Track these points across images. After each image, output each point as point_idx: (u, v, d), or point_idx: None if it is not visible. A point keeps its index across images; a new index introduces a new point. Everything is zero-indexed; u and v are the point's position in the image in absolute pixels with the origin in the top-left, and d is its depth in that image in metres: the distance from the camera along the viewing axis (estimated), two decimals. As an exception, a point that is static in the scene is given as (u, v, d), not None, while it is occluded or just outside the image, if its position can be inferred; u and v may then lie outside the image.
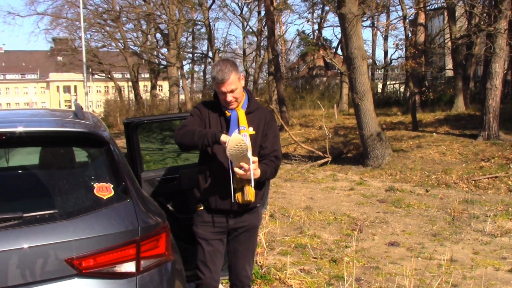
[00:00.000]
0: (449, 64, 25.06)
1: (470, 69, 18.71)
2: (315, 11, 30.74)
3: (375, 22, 28.12)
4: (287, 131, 13.60)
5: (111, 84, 47.36)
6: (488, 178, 8.78)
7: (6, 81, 77.92)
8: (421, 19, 17.15)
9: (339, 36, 30.81)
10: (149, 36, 30.33)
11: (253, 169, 2.54)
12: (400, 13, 20.30)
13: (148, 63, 32.37)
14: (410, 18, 19.76)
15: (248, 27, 29.32)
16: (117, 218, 2.02)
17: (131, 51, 30.46)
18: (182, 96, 32.22)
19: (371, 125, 11.05)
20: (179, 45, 26.82)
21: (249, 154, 2.49)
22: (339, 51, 29.26)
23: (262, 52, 27.57)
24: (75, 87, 72.85)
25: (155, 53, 30.31)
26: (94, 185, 2.08)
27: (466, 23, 19.18)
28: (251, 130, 2.74)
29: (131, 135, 3.53)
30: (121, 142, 12.55)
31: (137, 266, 2.00)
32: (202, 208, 2.82)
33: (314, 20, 31.53)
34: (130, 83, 39.01)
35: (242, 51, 31.63)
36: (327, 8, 26.94)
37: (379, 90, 30.95)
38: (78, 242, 1.90)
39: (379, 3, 18.88)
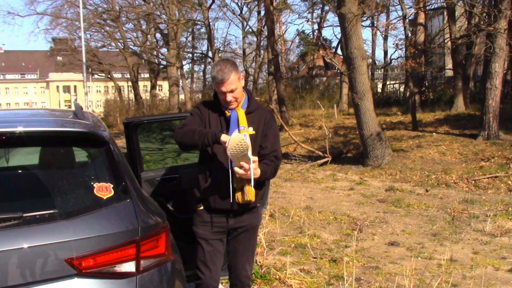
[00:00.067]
0: (449, 64, 25.07)
1: (470, 69, 18.71)
2: (315, 11, 30.78)
3: (375, 22, 28.14)
4: (287, 131, 13.60)
5: (111, 84, 47.38)
6: (488, 178, 8.79)
7: (6, 81, 77.92)
8: (421, 19, 17.15)
9: (338, 36, 30.87)
10: (149, 36, 30.33)
11: (253, 169, 2.54)
12: (400, 13, 20.31)
13: (148, 63, 32.37)
14: (410, 18, 19.78)
15: (248, 27, 29.35)
16: (117, 218, 2.02)
17: (131, 51, 30.46)
18: (182, 96, 32.22)
19: (371, 125, 11.05)
20: (179, 45, 26.82)
21: (249, 153, 2.49)
22: (339, 51, 29.29)
23: (262, 52, 27.57)
24: (75, 87, 72.87)
25: (155, 53, 30.32)
26: (94, 185, 2.08)
27: (466, 23, 19.18)
28: (251, 130, 2.74)
29: (131, 135, 3.53)
30: (121, 142, 12.55)
31: (137, 266, 2.00)
32: (202, 208, 2.82)
33: (314, 20, 31.56)
34: (130, 83, 39.03)
35: (242, 51, 31.64)
36: (327, 8, 26.96)
37: (379, 90, 30.95)
38: (78, 242, 1.90)
39: (379, 3, 18.90)
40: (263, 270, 4.33)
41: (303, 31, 34.36)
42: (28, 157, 2.48)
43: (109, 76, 37.15)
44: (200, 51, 35.08)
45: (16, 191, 2.08)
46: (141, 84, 38.43)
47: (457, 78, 17.49)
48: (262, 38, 26.91)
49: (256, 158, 2.58)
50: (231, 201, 2.70)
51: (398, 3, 19.49)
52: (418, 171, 9.99)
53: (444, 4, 17.95)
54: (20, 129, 2.07)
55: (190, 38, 33.96)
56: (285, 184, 9.72)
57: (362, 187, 9.15)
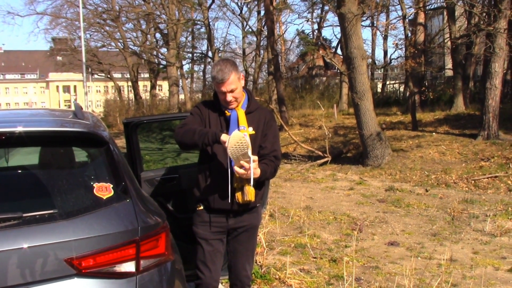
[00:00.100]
0: (449, 63, 25.07)
1: (469, 69, 18.71)
2: (315, 11, 30.77)
3: (375, 22, 28.13)
4: (287, 131, 13.60)
5: (110, 84, 47.39)
6: (487, 178, 8.79)
7: (6, 81, 77.92)
8: (421, 18, 17.15)
9: (338, 35, 30.86)
10: (148, 36, 30.35)
11: (253, 168, 2.54)
12: (400, 13, 20.28)
13: (147, 63, 32.38)
14: (409, 17, 19.78)
15: (247, 26, 29.33)
16: (116, 218, 2.02)
17: (131, 51, 30.46)
18: (181, 96, 32.22)
19: (371, 125, 11.05)
20: (178, 45, 26.82)
21: (250, 152, 2.49)
22: (339, 51, 29.28)
23: (262, 51, 27.57)
24: (75, 87, 72.88)
25: (154, 52, 30.32)
26: (94, 185, 2.08)
27: (466, 22, 19.17)
28: (250, 130, 2.74)
29: (131, 135, 3.53)
30: (121, 142, 12.54)
31: (137, 266, 2.00)
32: (201, 207, 2.82)
33: (314, 20, 31.56)
34: (129, 83, 39.05)
35: (241, 51, 31.61)
36: (326, 7, 26.95)
37: (379, 90, 30.94)
38: (77, 242, 1.90)
39: (379, 2, 18.90)
40: (263, 270, 4.33)
41: (303, 31, 34.38)
42: (28, 157, 2.48)
43: (109, 76, 37.16)
44: (200, 51, 35.13)
45: (16, 191, 2.08)
46: (141, 84, 38.44)
47: (457, 78, 17.49)
48: (262, 38, 26.91)
49: (256, 158, 2.58)
50: (231, 201, 2.70)
51: (398, 3, 19.49)
52: (418, 171, 9.99)
53: (444, 4, 17.96)
54: (20, 129, 2.07)
55: (190, 38, 34.00)
56: (285, 184, 9.72)
57: (362, 187, 9.15)
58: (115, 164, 2.17)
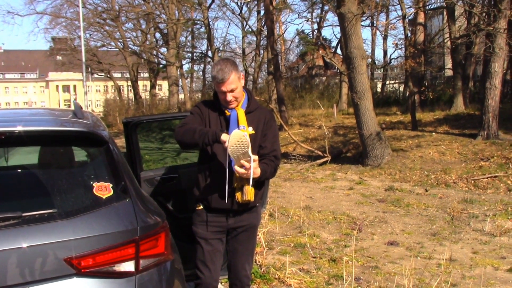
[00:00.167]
0: (449, 63, 25.07)
1: (469, 69, 18.72)
2: (315, 11, 30.77)
3: (375, 22, 28.14)
4: (287, 131, 13.60)
5: (110, 83, 47.40)
6: (487, 178, 8.79)
7: (6, 80, 77.88)
8: (421, 18, 17.15)
9: (338, 35, 30.81)
10: (148, 36, 30.35)
11: (254, 168, 2.54)
12: (400, 13, 20.28)
13: (147, 63, 32.38)
14: (409, 17, 19.77)
15: (247, 26, 29.34)
16: (116, 217, 2.02)
17: (131, 51, 30.46)
18: (181, 96, 32.23)
19: (371, 125, 11.06)
20: (178, 45, 26.82)
21: (250, 151, 2.49)
22: (339, 51, 29.28)
23: (262, 51, 27.57)
24: (75, 86, 72.87)
25: (154, 52, 30.33)
26: (94, 184, 2.07)
27: (466, 22, 19.17)
28: (250, 130, 2.74)
29: (131, 135, 3.52)
30: (121, 142, 12.54)
31: (136, 265, 2.00)
32: (201, 207, 2.82)
33: (314, 20, 31.56)
34: (129, 83, 39.05)
35: (241, 51, 31.59)
36: (326, 7, 26.93)
37: (379, 90, 30.95)
38: (77, 242, 1.89)
39: (379, 2, 18.92)
40: (262, 270, 4.33)
41: (302, 31, 34.38)
42: (27, 156, 2.48)
43: (108, 75, 37.16)
44: (200, 51, 35.12)
45: (16, 191, 2.08)
46: (140, 83, 38.45)
47: (456, 78, 17.50)
48: (261, 38, 26.90)
49: (256, 157, 2.58)
50: (231, 200, 2.70)
51: (398, 2, 19.48)
52: (417, 171, 9.99)
53: (444, 4, 17.96)
54: (19, 128, 2.06)
55: (189, 38, 34.00)
56: (284, 183, 9.72)
57: (362, 186, 9.15)
58: (114, 164, 2.17)
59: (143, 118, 3.77)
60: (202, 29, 30.51)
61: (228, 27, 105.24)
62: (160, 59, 30.69)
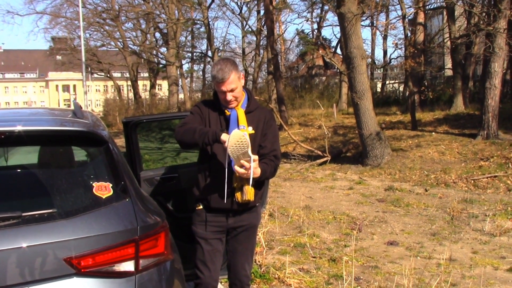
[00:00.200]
0: (448, 63, 25.07)
1: (469, 69, 18.72)
2: (315, 10, 30.77)
3: (375, 22, 28.14)
4: (287, 131, 13.61)
5: (110, 83, 47.39)
6: (487, 178, 8.79)
7: (5, 80, 77.87)
8: (421, 18, 17.15)
9: (338, 35, 30.78)
10: (148, 35, 30.34)
11: (254, 168, 2.54)
12: (400, 13, 20.27)
13: (147, 62, 32.37)
14: (409, 17, 19.75)
15: (247, 26, 29.34)
16: (116, 217, 2.02)
17: (130, 50, 30.45)
18: (181, 95, 32.23)
19: (370, 125, 11.06)
20: (178, 44, 26.82)
21: (250, 151, 2.49)
22: (338, 51, 29.29)
23: (262, 51, 27.56)
24: (74, 86, 72.85)
25: (154, 52, 30.31)
26: (93, 184, 2.07)
27: (466, 22, 19.17)
28: (250, 130, 2.74)
29: (130, 134, 3.52)
30: (120, 141, 12.54)
31: (136, 265, 2.00)
32: (201, 207, 2.82)
33: (314, 20, 31.55)
34: (129, 82, 39.06)
35: (241, 51, 31.58)
36: (326, 7, 26.93)
37: (379, 90, 30.95)
38: (77, 241, 1.89)
39: (379, 2, 18.92)
40: (262, 270, 4.33)
41: (302, 31, 34.37)
42: (27, 156, 2.48)
43: (108, 75, 37.15)
44: (200, 51, 35.11)
45: (15, 190, 2.08)
46: (140, 83, 38.46)
47: (456, 78, 17.50)
48: (261, 38, 26.89)
49: (256, 157, 2.57)
50: (231, 200, 2.70)
51: (398, 2, 19.46)
52: (417, 171, 9.99)
53: (444, 3, 17.96)
54: (19, 128, 2.06)
55: (189, 38, 33.99)
56: (284, 183, 9.72)
57: (362, 186, 9.15)
58: (114, 164, 2.17)
59: (143, 118, 3.77)
60: (202, 29, 30.54)
61: (228, 27, 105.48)
62: (160, 59, 30.68)
